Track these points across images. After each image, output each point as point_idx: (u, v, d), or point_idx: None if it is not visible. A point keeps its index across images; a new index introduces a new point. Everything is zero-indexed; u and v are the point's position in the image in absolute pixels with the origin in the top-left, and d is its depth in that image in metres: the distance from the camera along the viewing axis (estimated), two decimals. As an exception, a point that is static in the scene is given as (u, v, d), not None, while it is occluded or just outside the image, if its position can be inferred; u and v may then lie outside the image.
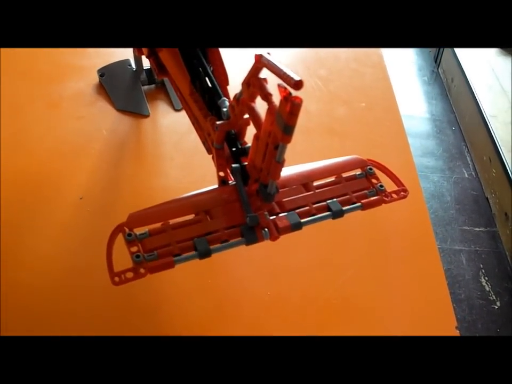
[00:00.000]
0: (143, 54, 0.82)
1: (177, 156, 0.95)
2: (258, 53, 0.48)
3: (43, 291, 0.75)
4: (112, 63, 1.08)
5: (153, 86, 1.08)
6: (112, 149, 0.96)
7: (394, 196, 0.64)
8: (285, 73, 0.43)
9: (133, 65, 1.07)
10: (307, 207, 0.59)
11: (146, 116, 1.02)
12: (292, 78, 0.42)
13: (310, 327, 0.76)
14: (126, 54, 1.09)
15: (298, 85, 0.42)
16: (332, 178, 0.64)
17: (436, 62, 2.13)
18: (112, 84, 1.05)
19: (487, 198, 1.69)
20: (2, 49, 0.85)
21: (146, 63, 1.04)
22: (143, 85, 1.06)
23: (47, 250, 0.80)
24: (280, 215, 0.58)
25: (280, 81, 0.44)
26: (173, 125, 1.01)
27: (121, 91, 1.04)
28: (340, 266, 0.83)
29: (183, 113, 0.75)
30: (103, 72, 1.06)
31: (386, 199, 0.63)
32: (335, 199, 0.61)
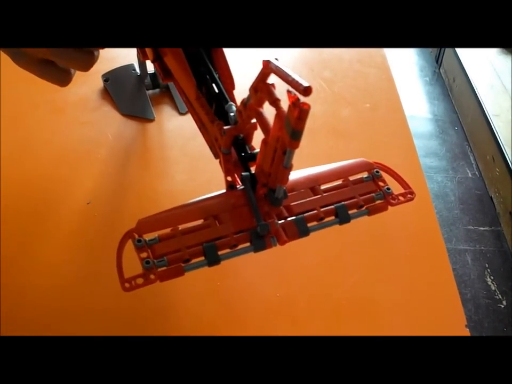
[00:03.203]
0: (147, 59, 0.82)
1: (183, 160, 0.96)
2: (265, 59, 0.48)
3: (51, 295, 0.75)
4: (116, 68, 1.08)
5: (157, 90, 1.08)
6: (118, 153, 0.96)
7: (401, 198, 0.64)
8: (293, 79, 0.43)
9: (137, 70, 1.07)
10: (315, 211, 0.60)
11: (152, 120, 1.02)
12: (301, 84, 0.42)
13: (320, 328, 0.77)
14: (130, 58, 1.09)
15: (307, 91, 0.42)
16: (339, 182, 0.64)
17: (437, 62, 2.13)
18: (116, 88, 1.05)
19: (491, 197, 1.69)
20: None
21: (150, 68, 1.04)
22: (147, 89, 1.06)
23: (56, 255, 0.80)
24: (288, 219, 0.58)
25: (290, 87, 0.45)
26: (178, 129, 1.01)
27: (126, 96, 1.04)
28: (349, 268, 0.83)
29: (188, 117, 0.76)
30: (107, 77, 1.06)
31: (393, 201, 0.63)
32: (342, 203, 0.61)
